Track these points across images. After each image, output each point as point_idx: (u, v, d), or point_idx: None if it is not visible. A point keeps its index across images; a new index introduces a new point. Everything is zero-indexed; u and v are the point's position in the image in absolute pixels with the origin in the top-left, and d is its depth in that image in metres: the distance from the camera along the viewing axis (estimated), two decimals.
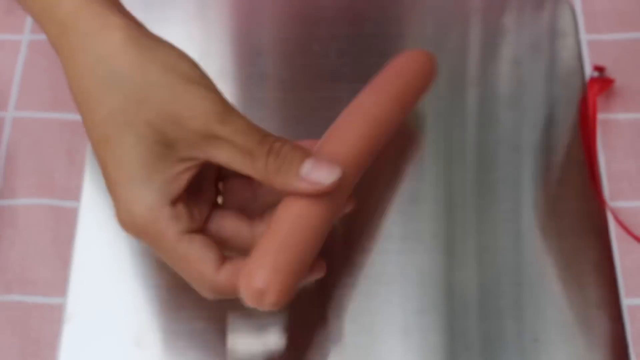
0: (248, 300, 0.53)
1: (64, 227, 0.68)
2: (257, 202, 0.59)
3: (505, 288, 0.65)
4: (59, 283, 0.66)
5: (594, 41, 0.76)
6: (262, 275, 0.52)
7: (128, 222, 0.54)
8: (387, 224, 0.68)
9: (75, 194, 0.69)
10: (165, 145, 0.53)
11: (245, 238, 0.57)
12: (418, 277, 0.65)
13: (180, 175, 0.54)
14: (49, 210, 0.69)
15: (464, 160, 0.70)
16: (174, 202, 0.54)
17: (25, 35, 0.77)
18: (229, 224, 0.57)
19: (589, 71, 0.74)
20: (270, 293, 0.52)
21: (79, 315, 0.65)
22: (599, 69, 0.73)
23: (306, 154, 0.55)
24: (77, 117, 0.71)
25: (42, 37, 0.71)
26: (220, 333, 0.64)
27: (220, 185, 0.59)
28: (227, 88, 0.71)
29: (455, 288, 0.65)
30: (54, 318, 0.65)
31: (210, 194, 0.58)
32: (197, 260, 0.54)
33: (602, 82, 0.72)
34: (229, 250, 0.57)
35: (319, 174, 0.54)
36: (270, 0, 0.77)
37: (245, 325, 0.64)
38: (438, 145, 0.71)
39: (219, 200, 0.59)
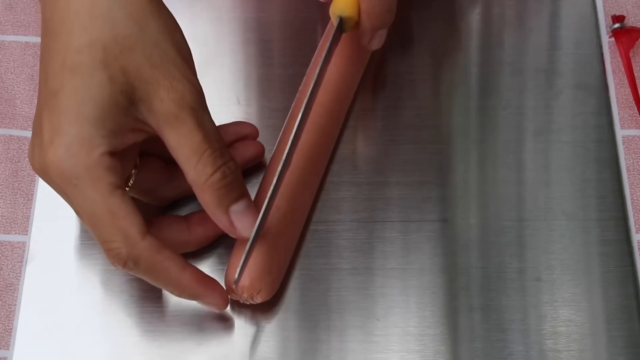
0: (239, 297, 0.57)
1: (25, 160, 0.63)
2: (167, 187, 0.60)
3: (506, 224, 0.62)
4: (21, 220, 0.61)
5: None
6: (252, 276, 0.56)
7: (56, 160, 0.50)
8: (385, 153, 0.65)
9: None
10: (128, 99, 0.51)
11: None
12: (416, 213, 0.62)
13: (128, 134, 0.52)
14: (10, 140, 0.64)
15: (466, 86, 0.67)
16: (112, 155, 0.51)
17: None
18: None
19: None
20: (262, 291, 0.57)
21: (41, 254, 0.61)
22: (619, 18, 0.69)
23: (246, 195, 0.55)
24: (39, 39, 0.65)
25: None
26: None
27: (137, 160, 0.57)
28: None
29: (455, 224, 0.62)
30: (15, 257, 0.60)
31: (130, 166, 0.56)
32: (125, 217, 0.51)
33: (628, 32, 0.69)
34: None
35: (242, 220, 0.54)
36: None
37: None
38: (440, 71, 0.68)
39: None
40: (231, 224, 0.54)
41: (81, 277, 0.60)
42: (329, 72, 0.62)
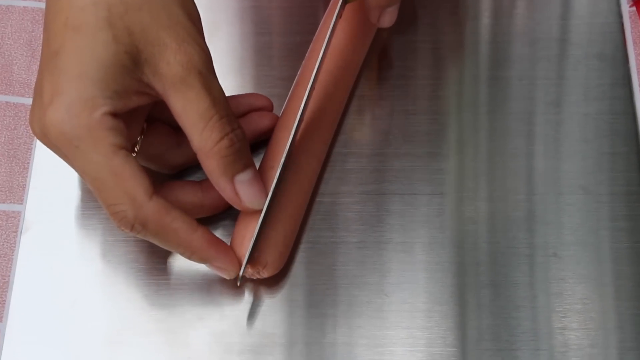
0: (245, 272, 0.55)
1: (22, 127, 0.61)
2: (175, 153, 0.58)
3: (518, 197, 0.60)
4: (17, 189, 0.59)
5: None
6: (259, 250, 0.55)
7: (56, 121, 0.48)
8: (397, 126, 0.63)
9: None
10: (133, 60, 0.50)
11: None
12: (425, 186, 0.60)
13: (132, 97, 0.51)
14: (6, 107, 0.62)
15: (476, 56, 0.65)
16: (115, 116, 0.49)
17: None
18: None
19: None
20: (269, 266, 0.55)
21: (37, 224, 0.59)
22: None
23: (252, 165, 0.53)
24: (39, 4, 0.63)
25: None
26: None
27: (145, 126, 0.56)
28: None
29: (465, 197, 0.60)
30: (9, 227, 0.58)
31: (137, 131, 0.55)
32: (130, 178, 0.49)
33: None
34: None
35: (247, 191, 0.53)
36: None
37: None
38: (451, 40, 0.66)
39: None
40: (236, 194, 0.53)
41: (79, 249, 0.59)
42: (337, 39, 0.61)
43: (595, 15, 0.67)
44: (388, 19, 0.60)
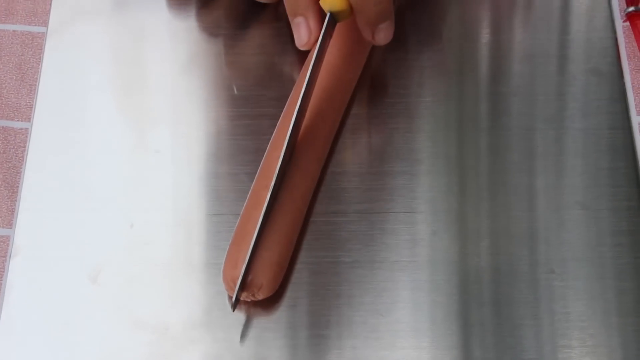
0: (239, 295, 0.54)
1: (12, 151, 0.60)
2: None
3: (517, 214, 0.59)
4: (5, 213, 0.59)
5: None
6: (254, 272, 0.54)
7: None
8: (392, 144, 0.62)
9: (26, 114, 0.61)
10: None
11: None
12: (421, 204, 0.59)
13: None
14: None
15: (475, 72, 0.65)
16: None
17: None
18: None
19: None
20: (264, 287, 0.54)
21: (27, 248, 0.58)
22: (633, 1, 0.67)
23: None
24: (29, 28, 0.63)
25: None
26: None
27: None
28: None
29: (463, 214, 0.59)
30: None
31: None
32: None
33: None
34: None
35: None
36: None
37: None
38: (448, 56, 0.66)
39: None
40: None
41: (68, 273, 0.57)
42: (331, 57, 0.60)
43: (591, 31, 0.66)
44: (383, 36, 0.60)
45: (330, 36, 0.59)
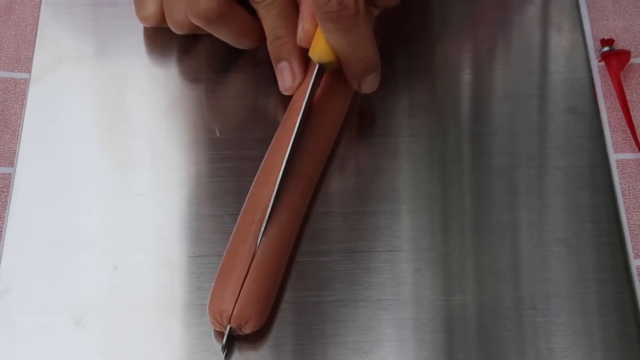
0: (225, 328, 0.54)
1: None
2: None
3: (500, 251, 0.59)
4: None
5: None
6: (242, 304, 0.54)
7: None
8: (375, 183, 0.62)
9: (9, 160, 0.61)
10: None
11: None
12: (404, 243, 0.60)
13: None
14: None
15: (457, 112, 0.66)
16: None
17: None
18: None
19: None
20: (251, 320, 0.54)
21: (11, 292, 0.58)
22: (608, 42, 0.68)
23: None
24: (11, 74, 0.63)
25: None
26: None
27: None
28: None
29: (446, 253, 0.59)
30: None
31: None
32: None
33: (618, 55, 0.68)
34: None
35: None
36: None
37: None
38: (429, 98, 0.67)
39: None
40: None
41: (51, 316, 0.57)
42: (319, 98, 0.62)
43: (569, 71, 0.67)
44: (369, 86, 0.61)
45: (319, 85, 0.61)
